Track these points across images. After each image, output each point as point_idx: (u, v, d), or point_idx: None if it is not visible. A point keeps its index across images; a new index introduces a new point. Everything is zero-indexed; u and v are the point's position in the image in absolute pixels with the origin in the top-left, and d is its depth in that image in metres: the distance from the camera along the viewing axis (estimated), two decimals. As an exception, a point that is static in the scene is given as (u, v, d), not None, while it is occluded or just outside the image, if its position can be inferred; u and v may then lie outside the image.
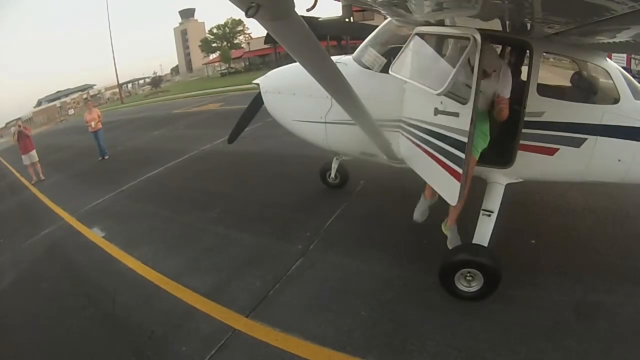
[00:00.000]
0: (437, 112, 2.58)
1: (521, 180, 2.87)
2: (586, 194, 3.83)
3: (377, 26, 3.65)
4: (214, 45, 57.81)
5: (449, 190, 2.41)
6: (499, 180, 2.81)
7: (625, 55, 7.80)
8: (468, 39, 2.17)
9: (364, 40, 3.62)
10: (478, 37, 2.11)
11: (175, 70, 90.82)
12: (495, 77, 2.53)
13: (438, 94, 2.20)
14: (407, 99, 3.09)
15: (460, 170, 2.26)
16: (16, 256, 4.80)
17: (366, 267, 3.12)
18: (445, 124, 2.46)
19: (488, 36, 2.53)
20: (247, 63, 49.28)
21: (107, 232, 4.84)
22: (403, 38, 3.13)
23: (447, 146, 2.42)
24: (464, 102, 2.26)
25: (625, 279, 2.66)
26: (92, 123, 9.79)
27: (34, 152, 9.14)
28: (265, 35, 29.29)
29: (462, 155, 2.25)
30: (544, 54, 2.58)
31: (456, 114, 2.34)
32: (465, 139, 2.22)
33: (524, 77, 2.63)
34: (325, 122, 3.52)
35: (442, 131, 2.50)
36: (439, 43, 2.88)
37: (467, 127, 2.19)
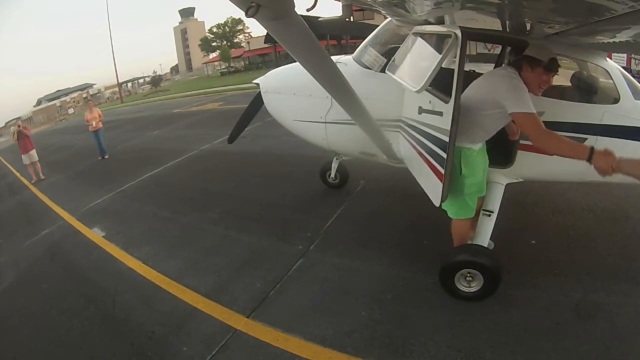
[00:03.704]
0: (421, 110, 2.59)
1: (521, 180, 2.86)
2: (586, 194, 3.83)
3: (377, 26, 3.65)
4: (213, 44, 57.92)
5: (433, 190, 2.41)
6: (499, 180, 2.81)
7: (625, 55, 7.80)
8: (450, 36, 2.16)
9: (364, 39, 3.62)
10: (459, 33, 2.10)
11: (175, 70, 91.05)
12: None
13: (417, 92, 2.20)
14: (405, 99, 3.09)
15: (442, 170, 2.26)
16: (16, 256, 4.80)
17: (366, 268, 3.12)
18: (434, 123, 2.45)
19: (488, 36, 2.53)
20: (247, 62, 49.33)
21: (107, 231, 4.84)
22: (403, 38, 3.12)
23: (433, 145, 2.43)
24: (446, 100, 2.24)
25: (625, 279, 2.66)
26: (93, 122, 9.81)
27: (33, 152, 9.14)
28: (265, 34, 29.27)
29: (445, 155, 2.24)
30: None
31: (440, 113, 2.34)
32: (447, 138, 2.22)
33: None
34: (325, 122, 3.51)
35: (429, 130, 2.51)
36: (430, 42, 2.88)
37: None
